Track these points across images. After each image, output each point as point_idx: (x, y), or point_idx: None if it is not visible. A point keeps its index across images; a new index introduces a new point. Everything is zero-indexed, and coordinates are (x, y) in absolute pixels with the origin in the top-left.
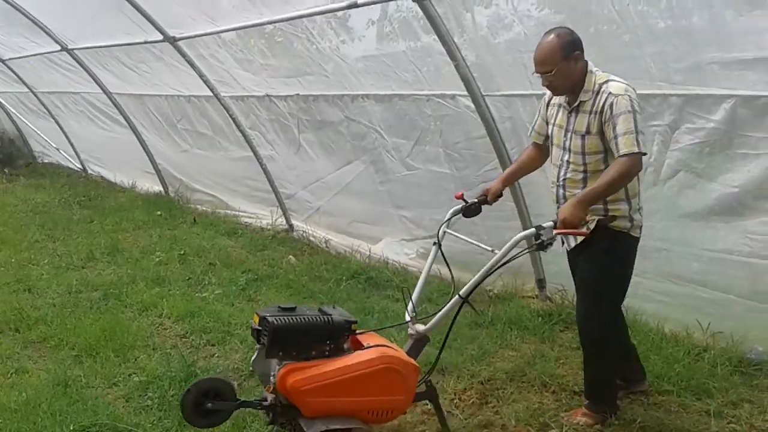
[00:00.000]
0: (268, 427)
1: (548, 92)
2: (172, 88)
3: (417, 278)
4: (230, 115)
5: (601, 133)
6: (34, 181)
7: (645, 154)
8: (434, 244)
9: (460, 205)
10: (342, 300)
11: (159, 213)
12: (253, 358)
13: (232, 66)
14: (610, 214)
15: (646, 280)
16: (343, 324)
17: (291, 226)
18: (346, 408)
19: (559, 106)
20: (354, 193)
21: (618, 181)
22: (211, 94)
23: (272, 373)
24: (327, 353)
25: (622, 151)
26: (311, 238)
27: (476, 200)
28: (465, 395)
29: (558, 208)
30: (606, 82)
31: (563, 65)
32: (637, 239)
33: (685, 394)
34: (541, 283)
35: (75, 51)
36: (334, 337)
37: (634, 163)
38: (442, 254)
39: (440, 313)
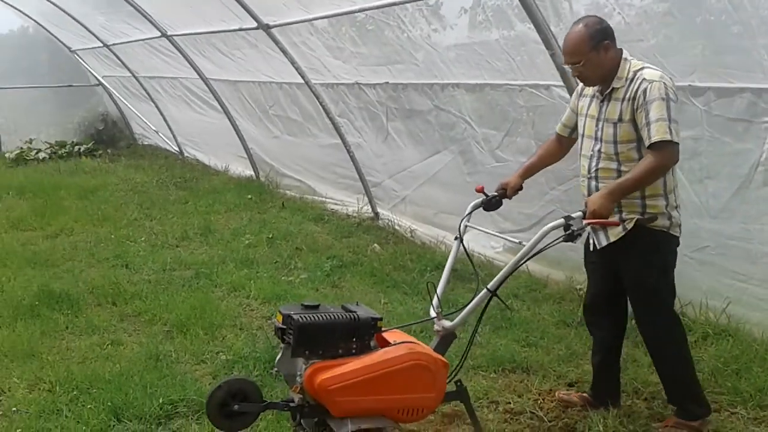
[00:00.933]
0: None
1: (581, 83)
2: (265, 75)
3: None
4: (320, 103)
5: (634, 120)
6: (134, 162)
7: (677, 144)
8: (456, 238)
9: (480, 199)
10: (425, 291)
11: (249, 197)
12: (277, 357)
13: (323, 53)
14: (648, 210)
15: (752, 287)
16: (369, 321)
17: (377, 214)
18: (376, 407)
19: (592, 96)
20: (441, 183)
21: (651, 173)
22: (302, 81)
23: (299, 373)
24: (354, 351)
25: (654, 138)
26: (396, 227)
27: (496, 194)
28: (550, 397)
29: None
30: (641, 69)
31: (592, 55)
32: (676, 239)
33: None
34: None
35: (174, 37)
36: (361, 335)
37: (669, 154)
38: (464, 248)
39: (467, 308)
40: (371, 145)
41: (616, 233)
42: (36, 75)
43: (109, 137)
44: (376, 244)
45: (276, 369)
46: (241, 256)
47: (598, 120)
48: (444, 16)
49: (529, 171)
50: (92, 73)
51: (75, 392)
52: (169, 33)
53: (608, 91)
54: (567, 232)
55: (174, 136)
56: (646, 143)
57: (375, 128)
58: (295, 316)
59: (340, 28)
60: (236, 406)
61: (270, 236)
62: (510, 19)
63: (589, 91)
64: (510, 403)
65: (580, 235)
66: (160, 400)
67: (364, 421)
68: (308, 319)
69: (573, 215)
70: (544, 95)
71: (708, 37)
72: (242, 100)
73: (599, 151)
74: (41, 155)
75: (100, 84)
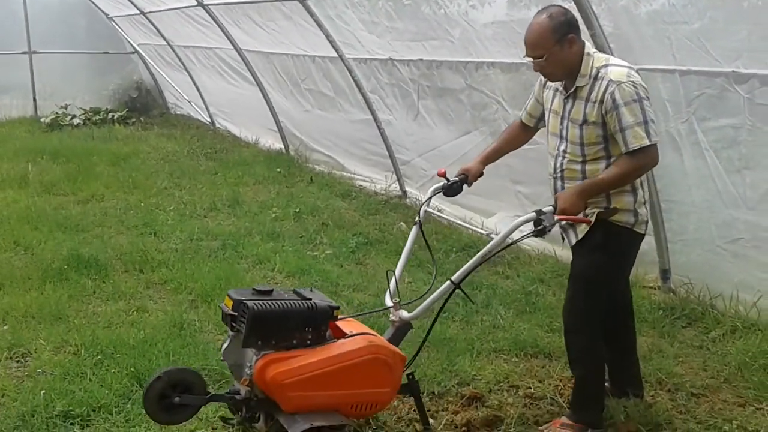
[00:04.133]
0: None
1: None
2: (299, 48)
3: (530, 256)
4: (353, 78)
5: (602, 123)
6: (166, 131)
7: (655, 144)
8: (415, 223)
9: (441, 184)
10: (450, 272)
11: (278, 170)
12: (223, 346)
13: (357, 27)
14: (612, 206)
15: None
16: (326, 310)
17: (404, 192)
18: (329, 402)
19: (556, 90)
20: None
21: (627, 176)
22: (336, 55)
23: (248, 364)
24: (309, 342)
25: (632, 146)
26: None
27: (457, 179)
28: (571, 384)
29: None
30: (605, 66)
31: (556, 49)
32: (641, 236)
33: None
34: (665, 273)
35: (210, 6)
36: (316, 325)
37: (647, 158)
38: (423, 234)
39: (429, 300)
40: (401, 123)
41: (582, 229)
42: (74, 41)
43: (143, 105)
44: (402, 223)
45: (222, 358)
46: (268, 229)
47: (562, 118)
48: None
49: (491, 157)
50: (128, 41)
51: (99, 356)
52: (205, 2)
53: (572, 89)
54: (538, 228)
55: (206, 107)
56: (623, 150)
57: (406, 106)
58: (249, 303)
59: (376, 2)
60: (177, 398)
61: (297, 210)
62: None
63: (553, 83)
64: (530, 388)
65: (550, 230)
66: None
67: (317, 417)
68: (263, 306)
69: (544, 209)
70: None
71: (754, 22)
72: (275, 73)
73: (564, 151)
74: (75, 121)
75: (136, 52)
